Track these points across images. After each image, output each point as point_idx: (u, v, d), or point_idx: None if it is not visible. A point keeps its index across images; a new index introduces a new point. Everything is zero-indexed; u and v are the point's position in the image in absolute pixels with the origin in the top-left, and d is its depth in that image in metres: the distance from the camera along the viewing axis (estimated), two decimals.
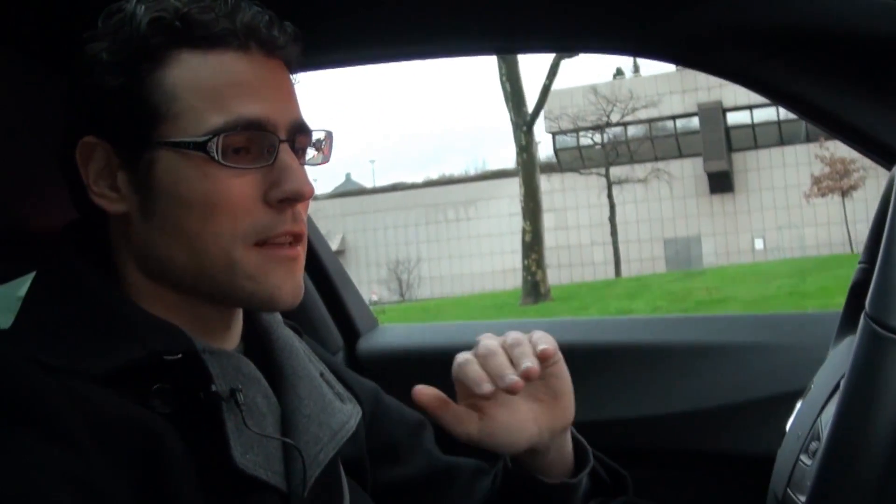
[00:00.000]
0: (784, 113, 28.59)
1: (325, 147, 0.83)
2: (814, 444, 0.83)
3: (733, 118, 29.42)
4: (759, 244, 28.91)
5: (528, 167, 17.88)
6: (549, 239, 29.55)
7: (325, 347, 1.07)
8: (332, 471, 0.83)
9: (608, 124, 28.25)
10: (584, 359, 1.38)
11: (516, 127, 17.71)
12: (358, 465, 0.91)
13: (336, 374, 0.95)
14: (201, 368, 0.73)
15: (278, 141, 0.76)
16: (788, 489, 0.86)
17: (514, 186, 28.85)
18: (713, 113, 29.04)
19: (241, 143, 0.75)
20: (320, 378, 0.87)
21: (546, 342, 0.85)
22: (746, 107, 29.09)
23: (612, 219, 27.16)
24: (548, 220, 29.92)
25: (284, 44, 0.79)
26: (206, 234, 0.75)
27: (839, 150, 25.69)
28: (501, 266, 30.50)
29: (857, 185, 25.14)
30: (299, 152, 0.79)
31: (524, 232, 17.96)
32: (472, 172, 32.27)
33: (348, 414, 0.86)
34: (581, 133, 29.04)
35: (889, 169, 0.82)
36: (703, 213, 29.49)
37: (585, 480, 0.94)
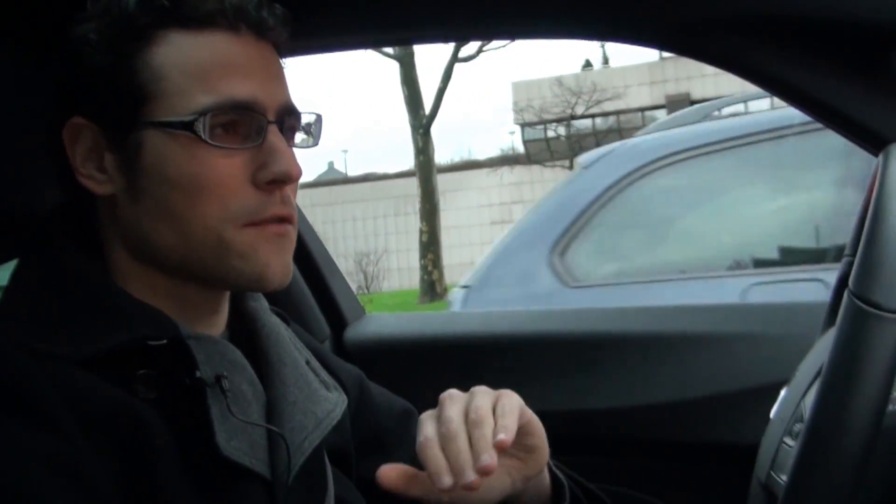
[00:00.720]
0: (752, 106, 28.95)
1: (314, 130, 0.83)
2: (797, 426, 0.84)
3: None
4: None
5: (424, 169, 18.25)
6: None
7: (311, 336, 1.06)
8: (316, 459, 0.82)
9: (573, 116, 28.46)
10: (570, 348, 1.39)
11: (414, 130, 17.96)
12: (342, 454, 0.91)
13: (322, 361, 0.94)
14: (186, 354, 0.73)
15: (266, 122, 0.76)
16: (771, 471, 0.86)
17: (485, 178, 28.88)
18: (681, 105, 29.27)
19: (228, 123, 0.74)
20: (306, 366, 0.87)
21: (507, 425, 0.75)
22: (714, 99, 29.32)
23: None
24: (516, 212, 29.91)
25: (274, 25, 0.78)
26: (193, 214, 0.74)
27: None
28: (470, 258, 30.38)
29: None
30: (288, 134, 0.79)
31: (421, 232, 18.42)
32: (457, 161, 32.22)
33: (334, 402, 0.85)
34: (549, 125, 29.16)
35: (876, 156, 0.84)
36: None
37: None
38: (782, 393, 0.96)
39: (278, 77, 0.79)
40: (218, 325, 0.82)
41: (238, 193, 0.75)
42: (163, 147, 0.74)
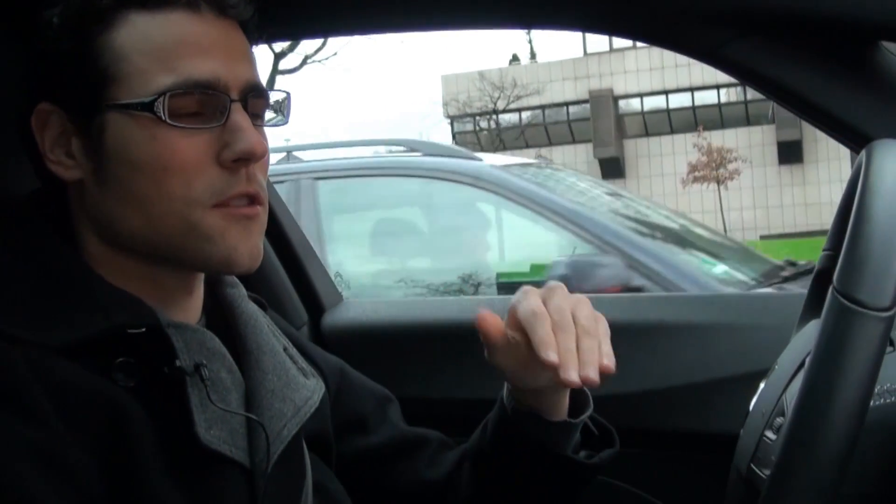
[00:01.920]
0: (673, 102, 29.84)
1: (283, 108, 0.83)
2: (778, 420, 0.84)
3: (625, 105, 30.44)
4: None
5: None
6: None
7: (289, 322, 1.07)
8: (295, 446, 0.83)
9: (494, 111, 28.90)
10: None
11: None
12: (322, 441, 0.91)
13: (300, 349, 0.95)
14: (165, 343, 0.73)
15: (229, 101, 0.75)
16: (752, 464, 0.87)
17: None
18: (604, 100, 29.94)
19: (190, 103, 0.74)
20: (284, 353, 0.87)
21: (610, 352, 0.80)
22: (637, 94, 30.15)
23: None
24: None
25: (236, 3, 0.78)
26: (158, 197, 0.74)
27: (713, 140, 27.02)
28: None
29: (733, 175, 26.52)
30: (254, 113, 0.78)
31: None
32: None
33: (311, 389, 0.86)
34: (477, 116, 29.52)
35: (857, 152, 0.86)
36: None
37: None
38: (762, 385, 0.96)
39: (242, 55, 0.78)
40: (193, 309, 0.82)
41: (202, 173, 0.74)
42: (125, 129, 0.74)
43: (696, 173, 26.57)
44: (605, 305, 1.54)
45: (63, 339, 0.70)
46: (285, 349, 0.88)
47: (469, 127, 30.62)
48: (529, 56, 33.22)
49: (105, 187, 0.76)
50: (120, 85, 0.74)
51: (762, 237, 25.53)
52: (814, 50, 0.90)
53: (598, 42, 30.52)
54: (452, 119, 30.68)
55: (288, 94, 0.83)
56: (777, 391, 0.89)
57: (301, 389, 0.84)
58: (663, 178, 28.93)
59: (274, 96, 0.82)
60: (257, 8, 0.80)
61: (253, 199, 0.77)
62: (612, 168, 30.20)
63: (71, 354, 0.69)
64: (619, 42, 29.91)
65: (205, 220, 0.75)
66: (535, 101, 29.52)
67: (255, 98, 0.78)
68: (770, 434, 0.86)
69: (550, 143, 30.72)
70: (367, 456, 1.00)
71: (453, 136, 31.39)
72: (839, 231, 0.87)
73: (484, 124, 29.54)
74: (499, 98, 28.88)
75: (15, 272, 0.74)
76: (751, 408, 0.95)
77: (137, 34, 0.74)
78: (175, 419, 0.72)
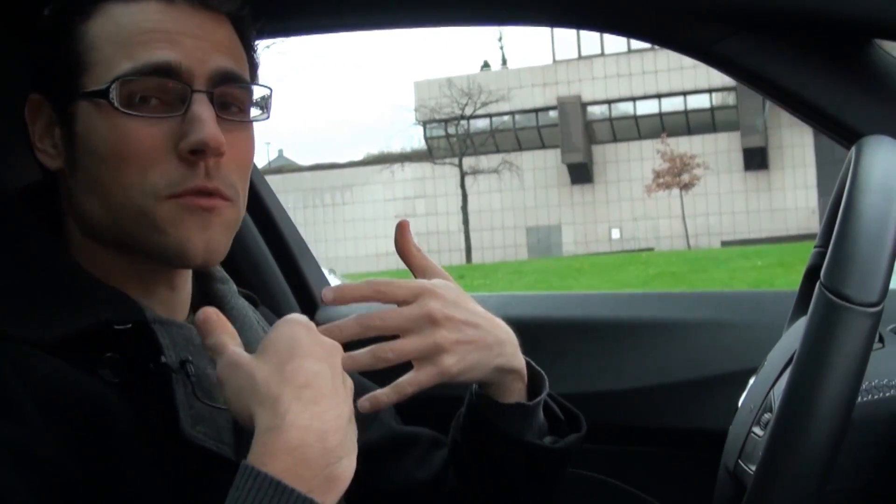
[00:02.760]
0: (641, 108, 30.18)
1: (267, 104, 0.81)
2: (766, 416, 0.84)
3: (594, 112, 30.73)
4: (615, 234, 30.39)
5: None
6: (420, 225, 29.98)
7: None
8: None
9: (462, 116, 29.20)
10: (537, 333, 1.35)
11: None
12: None
13: None
14: (151, 339, 0.73)
15: (190, 91, 0.74)
16: (740, 460, 0.86)
17: (389, 173, 28.93)
18: (572, 107, 30.20)
19: (147, 90, 0.73)
20: None
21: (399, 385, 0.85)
22: (605, 101, 30.45)
23: (464, 208, 28.30)
24: (419, 207, 30.22)
25: None
26: (116, 186, 0.73)
27: (681, 146, 27.39)
28: (375, 250, 30.78)
29: (694, 181, 26.90)
30: (226, 106, 0.77)
31: None
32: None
33: None
34: (444, 122, 29.80)
35: (848, 148, 0.86)
36: (564, 202, 30.75)
37: (542, 419, 0.94)
38: (751, 381, 0.96)
39: (216, 45, 0.76)
40: (180, 305, 0.82)
41: (159, 164, 0.73)
42: (91, 118, 0.74)
43: (660, 179, 26.91)
44: (594, 303, 1.56)
45: (48, 336, 0.69)
46: None
47: (440, 132, 30.76)
48: (501, 62, 33.42)
49: (76, 177, 0.76)
50: (89, 73, 0.74)
51: (724, 243, 25.90)
52: (807, 47, 0.91)
53: (566, 49, 30.78)
54: (424, 124, 30.78)
55: (271, 89, 0.81)
56: (765, 387, 0.89)
57: None
58: (631, 183, 29.24)
59: (258, 92, 0.80)
60: (248, 3, 0.80)
61: (212, 195, 0.75)
62: (580, 173, 30.46)
63: (56, 350, 0.69)
64: (588, 49, 30.19)
65: (158, 211, 0.73)
66: (504, 106, 29.75)
67: (227, 89, 0.76)
68: (757, 430, 0.85)
69: (521, 149, 30.90)
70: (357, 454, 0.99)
71: (426, 142, 31.49)
72: (830, 228, 0.88)
73: (454, 130, 29.72)
74: (466, 104, 29.14)
75: (0, 269, 0.74)
76: (739, 404, 0.95)
77: (110, 23, 0.74)
78: (161, 415, 0.71)
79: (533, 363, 0.94)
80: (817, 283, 0.75)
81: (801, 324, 0.92)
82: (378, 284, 0.83)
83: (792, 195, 28.15)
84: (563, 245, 30.24)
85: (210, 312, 0.71)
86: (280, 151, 38.14)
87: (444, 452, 1.01)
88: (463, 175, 28.78)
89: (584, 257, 23.42)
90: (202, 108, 0.73)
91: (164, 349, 0.73)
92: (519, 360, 0.90)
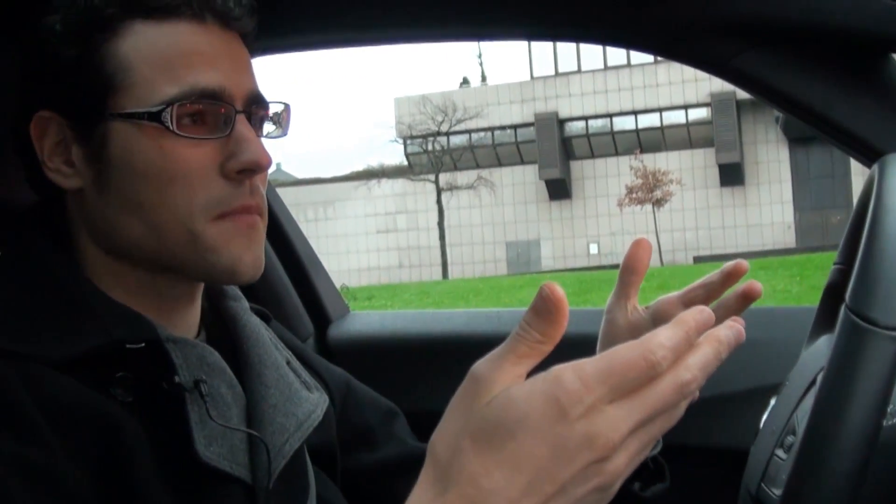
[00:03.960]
0: (617, 125, 30.47)
1: (282, 120, 0.83)
2: (789, 439, 0.84)
3: (571, 128, 30.98)
4: (594, 249, 30.56)
5: None
6: (402, 240, 29.96)
7: (295, 334, 1.06)
8: (298, 461, 0.82)
9: (438, 133, 29.44)
10: (555, 349, 1.33)
11: None
12: (326, 455, 0.90)
13: (305, 361, 0.95)
14: (164, 358, 0.72)
15: (234, 111, 0.75)
16: (763, 483, 0.85)
17: (370, 188, 28.97)
18: (548, 123, 30.45)
19: (196, 113, 0.74)
20: (287, 366, 0.86)
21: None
22: (581, 117, 30.71)
23: (440, 224, 28.36)
24: (400, 222, 30.24)
25: (240, 15, 0.78)
26: (163, 206, 0.74)
27: (657, 162, 27.68)
28: (357, 265, 30.73)
29: (666, 197, 27.19)
30: (256, 124, 0.79)
31: None
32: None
33: (315, 403, 0.85)
34: (421, 139, 30.02)
35: (868, 166, 0.86)
36: (543, 218, 30.91)
37: None
38: (772, 402, 0.95)
39: (245, 66, 0.79)
40: (192, 322, 0.82)
41: (207, 184, 0.74)
42: (130, 138, 0.73)
43: (632, 195, 27.17)
44: None
45: (60, 354, 0.69)
46: (288, 362, 0.87)
47: (419, 148, 30.93)
48: (480, 78, 33.64)
49: (107, 196, 0.75)
50: (125, 94, 0.73)
51: (696, 259, 26.11)
52: (824, 62, 0.91)
53: (543, 66, 31.04)
54: (405, 140, 30.93)
55: (287, 105, 0.83)
56: (788, 409, 0.88)
57: (304, 403, 0.83)
58: (608, 198, 29.46)
59: (273, 108, 0.81)
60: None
61: (254, 210, 0.77)
62: (557, 189, 30.64)
63: (68, 369, 0.68)
64: (565, 66, 30.48)
65: (208, 231, 0.74)
66: (482, 123, 29.97)
67: (257, 109, 0.78)
68: (781, 453, 0.85)
69: (500, 164, 31.07)
70: (372, 471, 0.99)
71: (406, 158, 31.62)
72: (850, 245, 0.87)
73: (436, 145, 29.90)
74: (442, 121, 29.39)
75: (12, 285, 0.73)
76: (761, 425, 0.94)
77: (143, 43, 0.74)
78: (174, 435, 0.71)
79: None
80: (842, 306, 0.74)
81: (822, 343, 0.92)
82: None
83: (768, 210, 28.49)
84: (542, 260, 30.37)
85: (556, 293, 0.52)
86: (278, 165, 38.25)
87: None
88: (439, 191, 28.94)
89: (470, 279, 23.34)
90: (246, 129, 0.75)
91: (178, 368, 0.72)
92: None
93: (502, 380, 0.52)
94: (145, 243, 0.75)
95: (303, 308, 1.55)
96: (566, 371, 0.50)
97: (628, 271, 0.88)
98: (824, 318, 0.92)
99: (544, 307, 0.52)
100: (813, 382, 0.86)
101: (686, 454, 1.33)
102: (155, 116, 0.72)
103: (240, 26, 0.78)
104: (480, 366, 0.53)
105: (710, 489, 1.25)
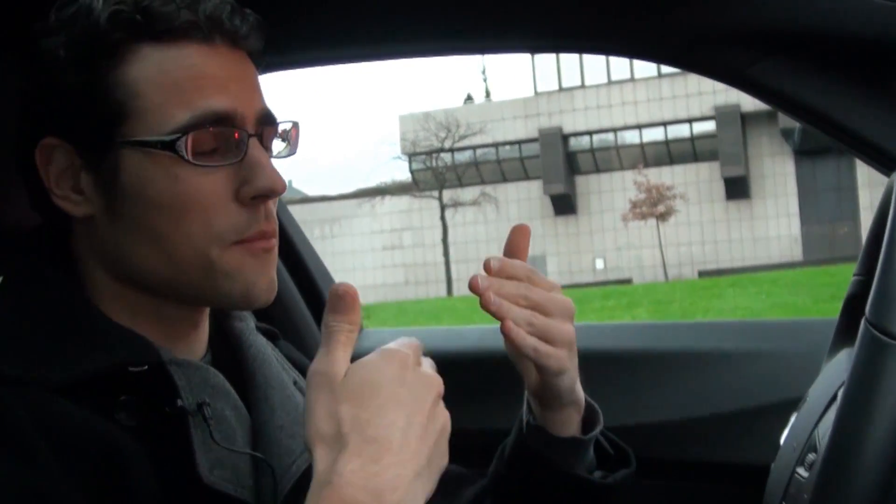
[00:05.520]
0: (622, 139, 30.53)
1: (291, 137, 0.81)
2: (811, 456, 0.82)
3: (576, 143, 31.04)
4: (599, 264, 30.54)
5: None
6: (408, 257, 30.00)
7: (307, 352, 1.03)
8: (305, 482, 0.78)
9: (441, 149, 29.61)
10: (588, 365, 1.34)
11: None
12: None
13: None
14: (168, 381, 0.72)
15: (247, 135, 0.74)
16: (784, 502, 0.84)
17: (374, 205, 29.12)
18: (552, 138, 30.53)
19: (209, 140, 0.72)
20: (293, 387, 0.85)
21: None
22: (586, 132, 30.79)
23: (444, 240, 28.41)
24: (406, 239, 30.33)
25: (248, 34, 0.77)
26: (177, 235, 0.72)
27: (663, 176, 27.71)
28: (363, 281, 30.80)
29: (670, 211, 27.20)
30: (267, 144, 0.78)
31: None
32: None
33: None
34: (425, 156, 30.19)
35: (888, 175, 0.84)
36: (548, 233, 30.92)
37: (592, 454, 0.93)
38: (792, 419, 0.94)
39: (254, 86, 0.77)
40: (198, 343, 0.81)
41: (222, 212, 0.73)
42: (142, 167, 0.72)
43: (636, 210, 27.19)
44: (631, 334, 1.53)
45: (62, 378, 0.68)
46: (295, 382, 0.86)
47: (424, 165, 31.09)
48: (485, 94, 33.83)
49: (118, 224, 0.74)
50: (135, 121, 0.71)
51: (701, 273, 26.07)
52: (841, 70, 0.90)
53: (547, 81, 31.16)
54: (410, 157, 31.08)
55: (296, 123, 0.82)
56: (808, 426, 0.86)
57: None
58: (614, 213, 29.47)
59: (282, 126, 0.80)
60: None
61: (269, 236, 0.76)
62: (562, 204, 30.68)
63: (71, 393, 0.67)
64: (569, 81, 30.59)
65: (224, 258, 0.73)
66: (486, 139, 30.09)
67: (268, 128, 0.77)
68: (802, 471, 0.83)
69: (505, 180, 31.14)
70: None
71: (411, 174, 31.76)
72: (870, 256, 0.86)
73: (440, 162, 30.03)
74: (445, 138, 29.56)
75: (14, 309, 0.73)
76: (782, 442, 0.93)
77: (152, 69, 0.71)
78: (178, 459, 0.70)
79: (587, 397, 0.93)
80: (863, 320, 0.73)
81: (843, 356, 0.90)
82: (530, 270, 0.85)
83: (774, 224, 28.43)
84: (548, 275, 30.25)
85: (351, 290, 0.68)
86: (290, 182, 38.50)
87: (473, 490, 0.99)
88: (443, 207, 29.04)
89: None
90: (259, 153, 0.74)
91: (181, 391, 0.72)
92: (580, 391, 0.90)
93: (343, 364, 0.66)
94: (160, 271, 0.74)
95: (315, 326, 1.53)
96: (388, 343, 0.68)
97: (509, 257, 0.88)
98: (845, 330, 0.91)
99: (343, 303, 0.67)
100: (834, 398, 0.85)
101: (704, 470, 1.32)
102: (168, 145, 0.70)
103: (248, 45, 0.77)
104: (317, 364, 0.66)
105: None
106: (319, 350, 0.68)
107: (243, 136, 0.73)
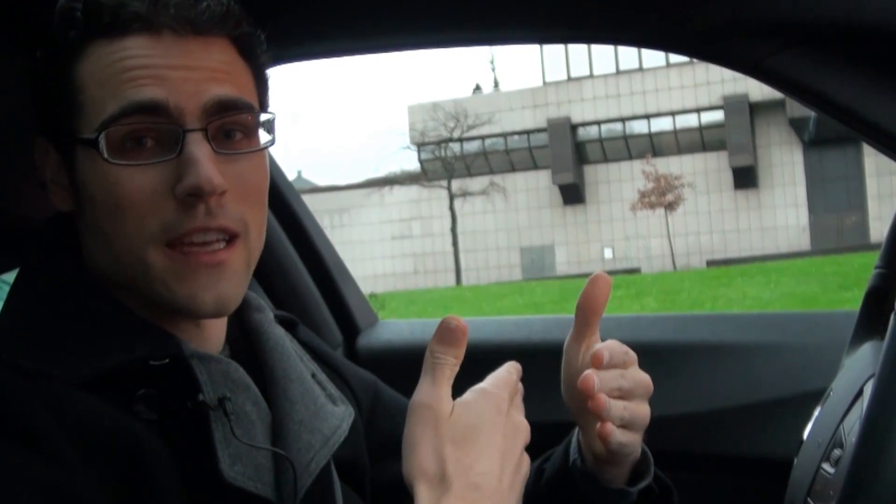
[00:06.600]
0: (630, 129, 30.33)
1: (270, 129, 0.77)
2: (836, 452, 0.81)
3: (584, 132, 30.84)
4: (608, 253, 30.39)
5: None
6: (417, 246, 29.94)
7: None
8: (324, 477, 0.80)
9: (449, 139, 29.43)
10: None
11: None
12: (354, 469, 0.88)
13: (334, 367, 0.93)
14: (189, 375, 0.71)
15: (182, 131, 0.69)
16: (809, 498, 0.84)
17: (383, 195, 29.05)
18: (561, 128, 30.31)
19: (137, 131, 0.69)
20: (312, 380, 0.84)
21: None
22: (594, 122, 30.57)
23: (453, 229, 28.30)
24: (415, 228, 30.28)
25: (205, 20, 0.71)
26: (118, 234, 0.71)
27: (671, 166, 27.50)
28: (373, 271, 30.78)
29: (678, 200, 26.99)
30: (229, 134, 0.73)
31: None
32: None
33: (340, 417, 0.83)
34: (434, 146, 30.05)
35: None
36: (557, 223, 30.76)
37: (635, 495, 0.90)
38: (816, 413, 0.93)
39: (210, 74, 0.72)
40: (217, 334, 0.80)
41: (156, 210, 0.70)
42: (85, 165, 0.71)
43: (644, 199, 27.01)
44: (647, 326, 1.51)
45: (83, 372, 0.68)
46: (313, 375, 0.85)
47: (433, 155, 30.97)
48: (493, 85, 33.63)
49: (82, 221, 0.74)
50: (80, 117, 0.71)
51: (709, 263, 25.89)
52: (860, 61, 0.88)
53: (555, 71, 30.95)
54: (419, 147, 30.96)
55: (273, 114, 0.77)
56: (834, 421, 0.86)
57: (330, 419, 0.81)
58: (622, 202, 29.30)
59: (264, 117, 0.76)
60: (256, 25, 0.76)
61: (225, 236, 0.72)
62: (572, 193, 30.52)
63: (91, 387, 0.67)
64: (577, 70, 30.37)
65: (159, 262, 0.70)
66: (494, 129, 29.93)
67: (228, 118, 0.72)
68: (827, 467, 0.82)
69: (514, 170, 31.00)
70: (400, 480, 0.97)
71: (420, 164, 31.66)
72: (892, 248, 0.86)
73: (448, 151, 29.90)
74: (454, 128, 29.39)
75: (33, 302, 0.72)
76: (805, 436, 0.92)
77: (97, 63, 0.70)
78: (198, 454, 0.69)
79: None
80: (892, 314, 0.73)
81: (867, 350, 0.89)
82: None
83: (783, 213, 28.23)
84: (556, 265, 30.23)
85: (461, 325, 0.73)
86: (299, 172, 38.11)
87: None
88: (452, 197, 28.93)
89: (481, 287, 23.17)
90: (196, 148, 0.69)
91: (202, 385, 0.71)
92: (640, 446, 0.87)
93: (448, 401, 0.71)
94: (110, 271, 0.73)
95: (331, 317, 1.53)
96: (485, 384, 0.74)
97: (583, 311, 0.84)
98: (867, 322, 0.90)
99: (453, 337, 0.72)
100: (860, 393, 0.83)
101: (725, 463, 1.31)
102: (94, 143, 0.68)
103: (207, 30, 0.72)
104: (424, 397, 0.71)
105: (750, 499, 1.23)
106: (423, 379, 0.72)
107: (177, 131, 0.69)
